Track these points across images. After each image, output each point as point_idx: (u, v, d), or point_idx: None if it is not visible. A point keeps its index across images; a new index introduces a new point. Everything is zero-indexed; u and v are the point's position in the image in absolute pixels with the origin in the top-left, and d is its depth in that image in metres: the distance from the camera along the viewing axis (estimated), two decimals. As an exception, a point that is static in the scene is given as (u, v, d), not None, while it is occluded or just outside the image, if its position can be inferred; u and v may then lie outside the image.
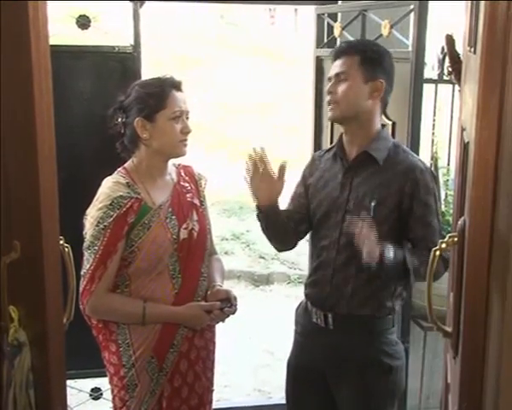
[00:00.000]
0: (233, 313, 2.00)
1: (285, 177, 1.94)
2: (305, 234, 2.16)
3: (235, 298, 2.02)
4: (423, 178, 1.91)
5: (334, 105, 1.97)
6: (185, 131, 1.96)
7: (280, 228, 2.06)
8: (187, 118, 1.98)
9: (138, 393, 1.94)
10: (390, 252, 1.83)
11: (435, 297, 1.41)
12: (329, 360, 2.02)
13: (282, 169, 1.94)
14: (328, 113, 2.01)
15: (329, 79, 2.01)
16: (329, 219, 2.01)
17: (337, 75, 1.96)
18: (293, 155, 8.53)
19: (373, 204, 1.90)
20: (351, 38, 2.83)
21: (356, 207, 1.94)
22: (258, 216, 2.02)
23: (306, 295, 2.11)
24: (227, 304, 1.98)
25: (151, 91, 1.94)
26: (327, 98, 2.00)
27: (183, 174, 2.10)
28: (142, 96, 1.94)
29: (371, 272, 1.90)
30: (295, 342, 2.16)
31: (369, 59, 1.95)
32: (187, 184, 2.08)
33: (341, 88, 1.94)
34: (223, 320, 2.01)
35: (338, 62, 1.98)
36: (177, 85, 1.97)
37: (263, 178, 1.94)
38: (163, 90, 1.94)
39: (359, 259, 1.91)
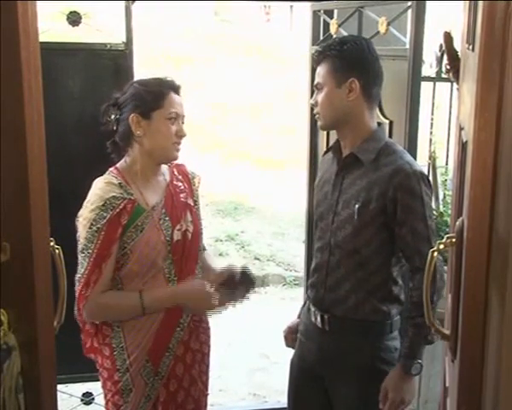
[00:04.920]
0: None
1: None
2: None
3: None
4: (408, 182, 1.84)
5: (317, 115, 1.99)
6: (180, 134, 1.94)
7: None
8: (182, 122, 1.96)
9: (133, 398, 1.91)
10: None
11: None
12: (326, 361, 2.01)
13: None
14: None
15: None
16: (323, 220, 2.02)
17: (315, 86, 1.97)
18: (291, 155, 8.52)
19: (357, 206, 1.88)
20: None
21: (343, 209, 1.93)
22: None
23: (308, 296, 2.11)
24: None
25: (150, 89, 1.93)
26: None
27: (176, 173, 2.07)
28: (140, 93, 1.92)
29: (361, 275, 1.91)
30: (298, 341, 2.16)
31: (339, 62, 1.90)
32: (180, 184, 2.05)
33: (319, 98, 1.95)
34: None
35: (317, 71, 1.98)
36: (176, 88, 1.97)
37: None
38: (162, 89, 1.93)
39: (349, 261, 1.92)
